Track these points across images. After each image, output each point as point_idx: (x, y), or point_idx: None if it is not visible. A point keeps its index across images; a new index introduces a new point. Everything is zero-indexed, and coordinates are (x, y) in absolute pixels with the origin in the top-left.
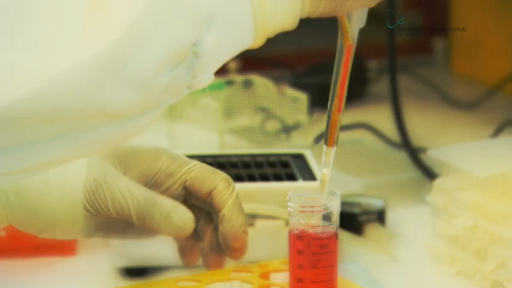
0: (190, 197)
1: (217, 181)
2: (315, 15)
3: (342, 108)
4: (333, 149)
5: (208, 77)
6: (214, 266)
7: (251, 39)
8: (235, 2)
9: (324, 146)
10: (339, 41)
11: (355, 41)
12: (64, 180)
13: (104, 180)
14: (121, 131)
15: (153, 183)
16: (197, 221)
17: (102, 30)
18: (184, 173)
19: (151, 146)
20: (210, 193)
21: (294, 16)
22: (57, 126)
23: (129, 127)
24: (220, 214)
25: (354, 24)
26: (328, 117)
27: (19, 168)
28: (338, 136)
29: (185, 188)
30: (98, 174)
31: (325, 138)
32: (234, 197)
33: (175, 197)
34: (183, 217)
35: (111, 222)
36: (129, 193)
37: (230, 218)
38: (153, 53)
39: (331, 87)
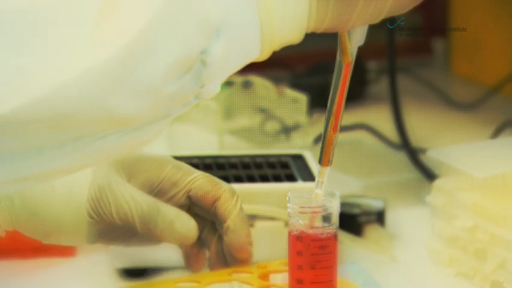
0: (194, 207)
1: (221, 192)
2: (319, 30)
3: (338, 127)
4: (327, 169)
5: (215, 87)
6: None
7: (258, 51)
8: (244, 13)
9: (318, 165)
10: (338, 58)
11: (354, 58)
12: (70, 186)
13: (108, 186)
14: (129, 141)
15: (157, 192)
16: (201, 230)
17: (111, 36)
18: (188, 183)
19: (156, 155)
20: (213, 203)
21: (300, 30)
22: (65, 132)
23: (136, 137)
24: (225, 225)
25: (353, 42)
26: (324, 136)
27: (26, 175)
28: (333, 155)
29: (189, 197)
30: (103, 181)
31: (319, 157)
32: (238, 208)
33: (179, 206)
34: (187, 225)
35: (115, 229)
36: (133, 200)
37: (235, 229)
38: (162, 59)
39: (328, 104)
